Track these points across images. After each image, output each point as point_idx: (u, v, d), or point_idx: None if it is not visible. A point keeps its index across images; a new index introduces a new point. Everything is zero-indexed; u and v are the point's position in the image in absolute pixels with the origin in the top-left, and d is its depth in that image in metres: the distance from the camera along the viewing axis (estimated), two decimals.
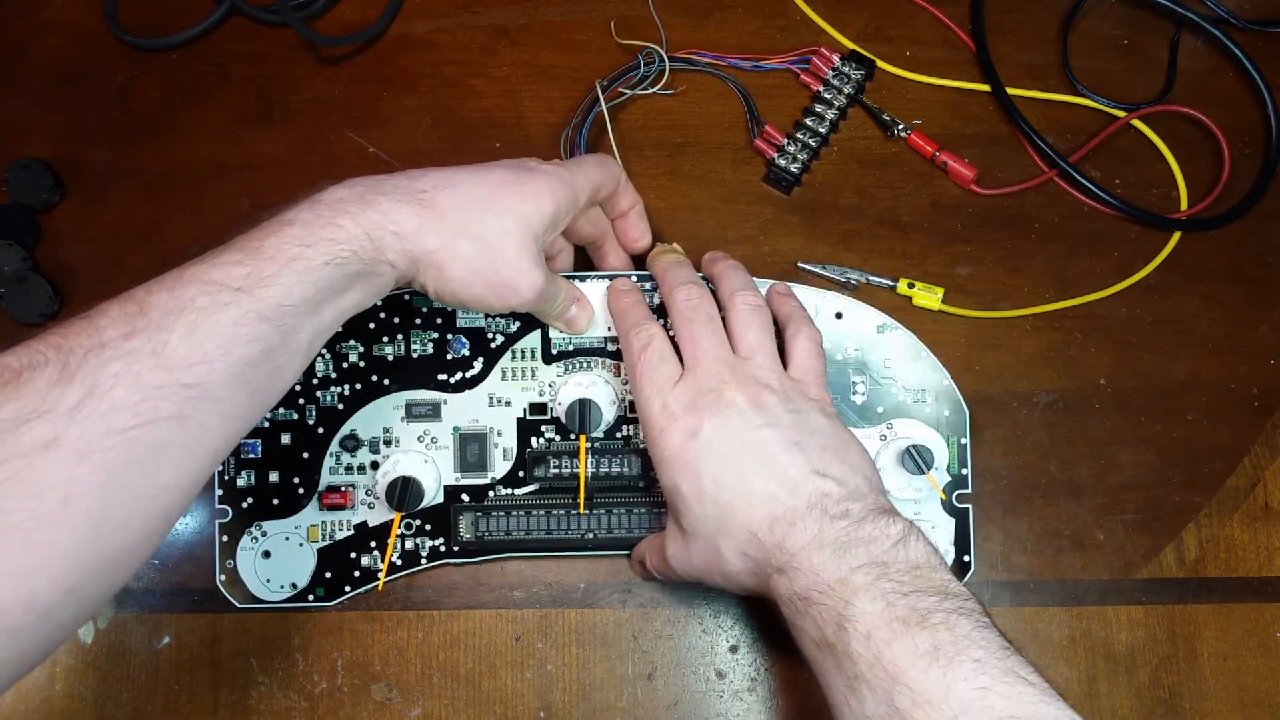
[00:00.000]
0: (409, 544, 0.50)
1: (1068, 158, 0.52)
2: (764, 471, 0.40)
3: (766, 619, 0.50)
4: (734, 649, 0.50)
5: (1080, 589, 0.49)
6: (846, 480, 0.40)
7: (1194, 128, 0.53)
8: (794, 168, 0.53)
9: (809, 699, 0.49)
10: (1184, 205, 0.52)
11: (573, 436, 0.50)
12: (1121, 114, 0.53)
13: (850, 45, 0.54)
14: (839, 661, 0.36)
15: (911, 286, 0.51)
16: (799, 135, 0.53)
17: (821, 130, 0.53)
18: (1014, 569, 0.49)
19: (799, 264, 0.52)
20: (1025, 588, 0.49)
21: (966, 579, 0.49)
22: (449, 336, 0.51)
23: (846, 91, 0.53)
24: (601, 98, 0.52)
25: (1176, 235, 0.52)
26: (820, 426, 0.42)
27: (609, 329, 0.50)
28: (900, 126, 0.53)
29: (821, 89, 0.54)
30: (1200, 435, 0.51)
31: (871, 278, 0.52)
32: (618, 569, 0.51)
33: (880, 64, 0.54)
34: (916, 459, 0.47)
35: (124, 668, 0.49)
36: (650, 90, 0.53)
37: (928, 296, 0.51)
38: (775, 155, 0.53)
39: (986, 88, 0.54)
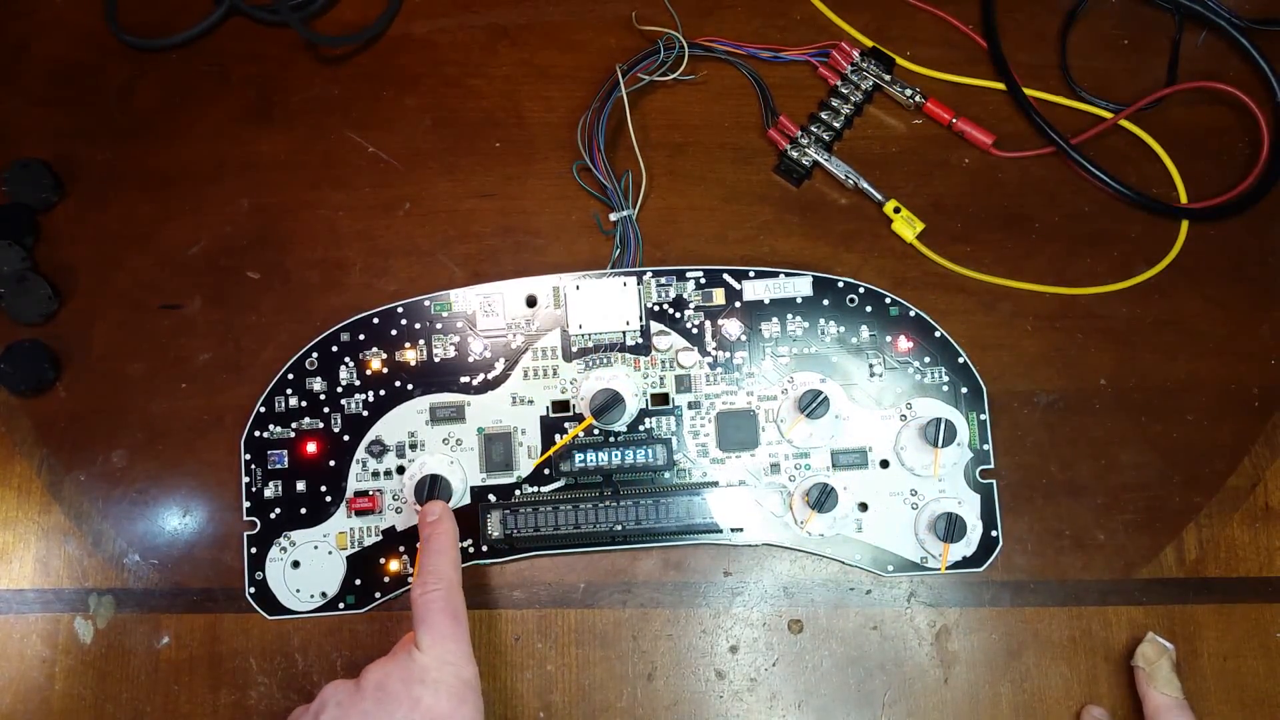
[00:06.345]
0: None
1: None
2: None
3: (765, 619, 0.50)
4: (734, 649, 0.50)
5: (1081, 589, 0.49)
6: None
7: (1193, 126, 0.53)
8: (805, 161, 0.53)
9: (809, 699, 0.49)
10: (1183, 199, 0.52)
11: (596, 432, 0.50)
12: (1109, 115, 0.53)
13: (868, 42, 0.54)
14: None
15: (897, 211, 0.52)
16: (813, 128, 0.53)
17: (836, 125, 0.53)
18: (1014, 569, 0.49)
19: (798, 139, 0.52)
20: (1026, 588, 0.49)
21: (995, 555, 0.49)
22: (470, 340, 0.51)
23: (864, 87, 0.53)
24: (622, 82, 0.52)
25: (1185, 225, 0.52)
26: None
27: (631, 328, 0.50)
28: (916, 93, 0.53)
29: (839, 84, 0.54)
30: (1201, 435, 0.51)
31: (863, 183, 0.52)
32: (618, 569, 0.50)
33: (899, 61, 0.54)
34: (939, 431, 0.47)
35: (124, 668, 0.48)
36: (669, 76, 0.53)
37: (906, 226, 0.52)
38: (788, 147, 0.53)
39: (1002, 85, 0.54)
